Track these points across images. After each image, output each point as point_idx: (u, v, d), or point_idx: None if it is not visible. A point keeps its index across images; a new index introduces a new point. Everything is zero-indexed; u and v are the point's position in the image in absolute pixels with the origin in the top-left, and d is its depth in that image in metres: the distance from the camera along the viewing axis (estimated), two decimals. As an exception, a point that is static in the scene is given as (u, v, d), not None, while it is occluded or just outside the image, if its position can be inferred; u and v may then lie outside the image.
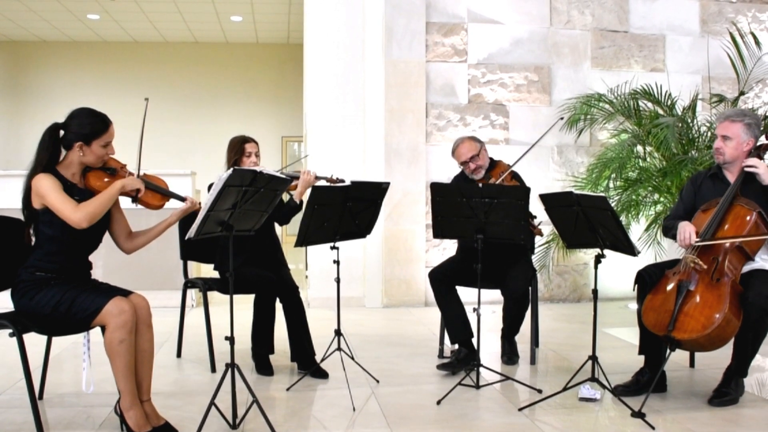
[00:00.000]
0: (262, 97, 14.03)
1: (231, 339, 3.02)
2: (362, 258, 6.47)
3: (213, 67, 13.90)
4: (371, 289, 6.48)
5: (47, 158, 2.97)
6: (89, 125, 3.00)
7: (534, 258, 5.10)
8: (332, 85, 6.53)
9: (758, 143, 3.72)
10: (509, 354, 4.33)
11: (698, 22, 7.00)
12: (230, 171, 2.81)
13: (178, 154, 13.05)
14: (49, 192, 2.88)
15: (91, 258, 3.17)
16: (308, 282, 6.56)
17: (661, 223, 5.89)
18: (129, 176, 3.12)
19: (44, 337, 3.33)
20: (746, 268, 3.47)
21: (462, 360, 4.06)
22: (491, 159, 4.39)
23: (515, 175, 4.28)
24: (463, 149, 4.31)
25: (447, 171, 6.32)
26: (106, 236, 3.21)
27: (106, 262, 6.09)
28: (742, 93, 5.88)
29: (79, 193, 3.00)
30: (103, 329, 2.87)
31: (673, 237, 3.68)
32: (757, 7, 7.12)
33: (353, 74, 6.54)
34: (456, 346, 4.22)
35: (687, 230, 3.50)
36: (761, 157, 3.72)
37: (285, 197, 4.42)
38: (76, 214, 2.86)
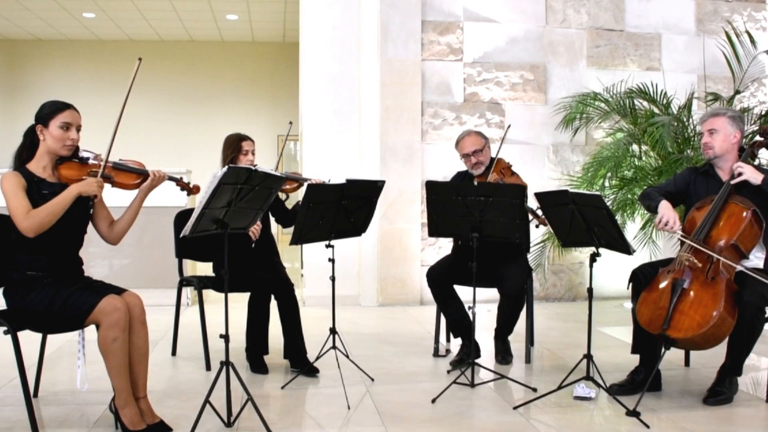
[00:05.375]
0: (258, 95, 14.01)
1: (226, 337, 3.02)
2: (358, 256, 6.47)
3: (208, 65, 13.88)
4: (367, 287, 6.47)
5: (25, 156, 3.01)
6: (48, 107, 3.02)
7: (530, 257, 5.11)
8: (328, 83, 6.52)
9: (752, 141, 3.73)
10: (503, 353, 4.33)
11: (694, 21, 7.01)
12: (225, 169, 2.81)
13: (174, 153, 13.01)
14: (7, 193, 2.87)
15: (86, 257, 3.16)
16: (304, 281, 6.56)
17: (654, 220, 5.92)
18: (89, 178, 3.01)
19: (39, 335, 3.33)
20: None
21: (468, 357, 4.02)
22: (491, 158, 4.39)
23: (515, 172, 4.30)
24: (468, 142, 4.31)
25: (443, 170, 6.33)
26: (94, 234, 3.19)
27: (101, 261, 6.08)
28: (737, 92, 5.88)
29: (48, 187, 2.97)
30: (97, 327, 2.86)
31: (648, 207, 3.70)
32: (752, 6, 7.12)
33: (349, 73, 6.53)
34: (450, 344, 4.22)
35: (669, 216, 3.51)
36: (755, 155, 3.75)
37: (282, 196, 4.43)
38: (24, 223, 2.83)
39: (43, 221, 2.85)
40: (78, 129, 3.05)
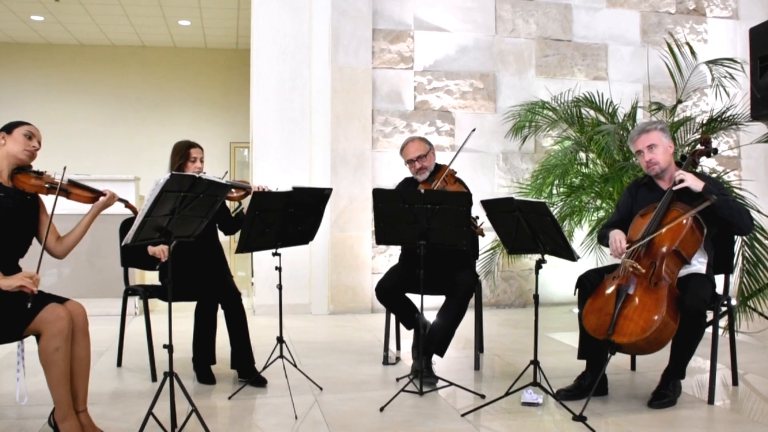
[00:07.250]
0: (210, 102, 13.90)
1: (170, 347, 2.96)
2: (309, 265, 6.43)
3: (160, 71, 13.72)
4: (317, 295, 6.44)
5: None
6: (12, 121, 3.14)
7: (479, 264, 5.14)
8: (278, 90, 6.48)
9: (694, 149, 3.83)
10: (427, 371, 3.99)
11: (639, 33, 7.17)
12: (168, 176, 2.75)
13: (123, 159, 12.82)
14: None
15: (35, 265, 3.08)
16: (254, 289, 6.49)
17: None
18: (21, 273, 2.91)
19: (-26, 348, 3.23)
20: (683, 271, 3.56)
21: (428, 371, 3.99)
22: (436, 164, 4.41)
23: (458, 179, 4.31)
24: (412, 148, 4.32)
25: (393, 177, 6.34)
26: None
27: (50, 269, 5.94)
28: (679, 101, 6.03)
29: (2, 189, 3.03)
30: (38, 338, 2.79)
31: (608, 245, 3.77)
32: (694, 19, 7.33)
33: (300, 80, 6.51)
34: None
35: (617, 238, 3.60)
36: (696, 163, 3.84)
37: (232, 204, 4.38)
38: None
39: None
40: (39, 144, 3.17)
